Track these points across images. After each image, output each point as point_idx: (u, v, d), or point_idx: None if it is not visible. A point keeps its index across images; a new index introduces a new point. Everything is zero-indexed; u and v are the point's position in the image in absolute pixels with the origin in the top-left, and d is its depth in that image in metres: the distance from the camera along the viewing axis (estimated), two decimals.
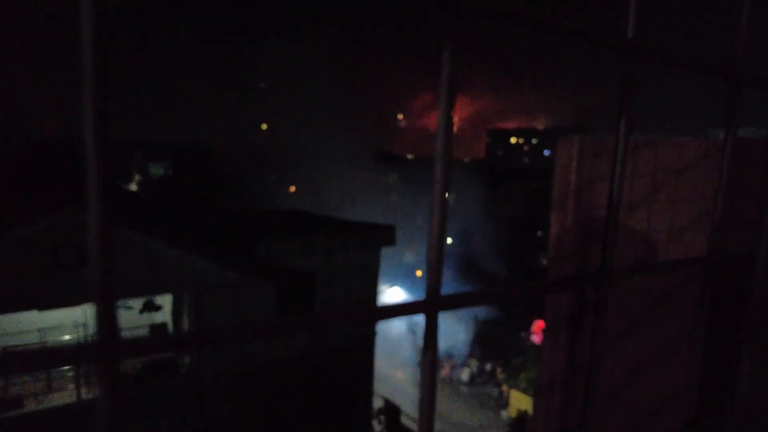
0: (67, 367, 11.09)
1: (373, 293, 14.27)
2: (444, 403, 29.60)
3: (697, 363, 1.81)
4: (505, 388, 29.32)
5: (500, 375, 31.07)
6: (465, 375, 31.27)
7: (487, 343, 34.54)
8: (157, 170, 69.52)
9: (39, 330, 11.42)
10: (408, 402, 26.39)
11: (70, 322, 11.91)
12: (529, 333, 33.53)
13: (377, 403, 15.57)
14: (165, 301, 12.95)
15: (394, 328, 33.48)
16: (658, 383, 1.93)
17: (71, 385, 10.65)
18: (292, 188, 63.04)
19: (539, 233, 41.51)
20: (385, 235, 14.00)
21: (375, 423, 12.44)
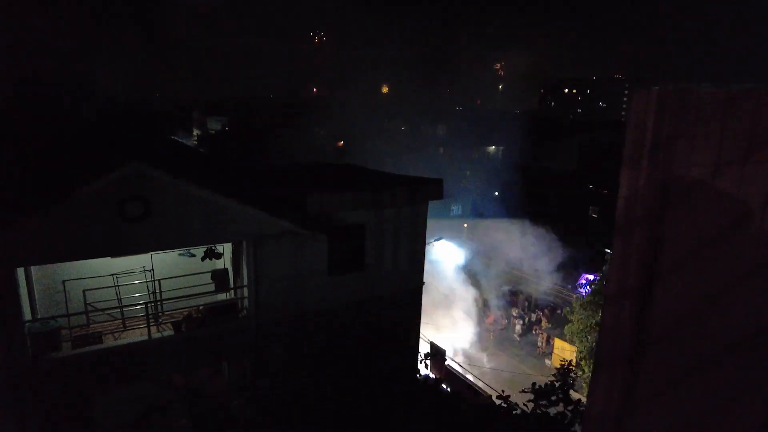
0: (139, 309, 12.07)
1: (421, 245, 14.52)
2: (491, 349, 30.24)
3: None
4: (547, 337, 29.55)
5: (546, 325, 31.27)
6: (518, 327, 31.67)
7: (534, 294, 34.58)
8: (214, 125, 71.32)
9: (112, 274, 12.40)
10: (450, 347, 27.18)
11: (139, 267, 12.85)
12: (575, 286, 33.30)
13: (424, 348, 16.15)
14: (225, 249, 13.69)
15: (442, 280, 33.91)
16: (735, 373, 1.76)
17: (143, 325, 11.61)
18: (341, 143, 63.27)
19: (590, 187, 40.31)
20: (433, 189, 14.06)
21: (421, 366, 12.95)
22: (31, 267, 11.63)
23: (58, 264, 11.79)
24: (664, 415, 2.01)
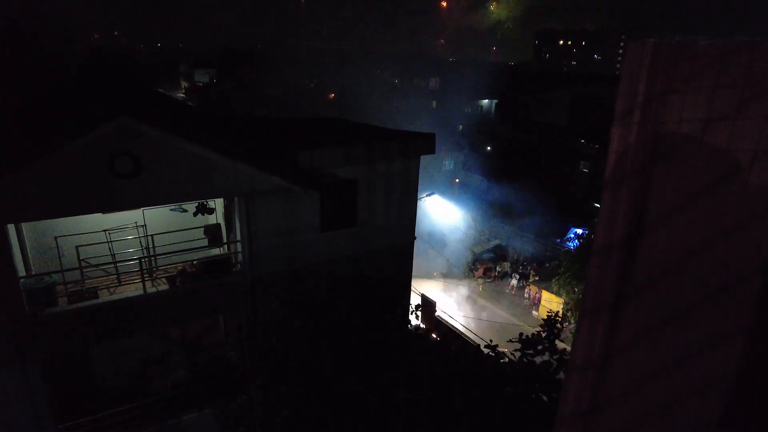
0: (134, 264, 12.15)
1: (413, 200, 14.59)
2: (480, 301, 30.96)
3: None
4: (536, 289, 30.25)
5: (533, 278, 31.92)
6: (513, 282, 32.19)
7: (522, 248, 35.10)
8: (202, 78, 69.75)
9: (104, 230, 12.40)
10: (442, 299, 27.83)
11: (131, 223, 12.85)
12: (564, 240, 33.81)
13: (415, 300, 16.51)
14: (217, 204, 13.68)
15: (433, 235, 34.26)
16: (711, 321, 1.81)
17: (137, 280, 11.73)
18: (331, 95, 62.20)
19: (582, 141, 40.21)
20: (425, 144, 13.99)
21: (412, 317, 13.29)
22: (22, 224, 11.60)
23: (50, 221, 11.76)
24: (643, 362, 2.12)
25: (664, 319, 1.99)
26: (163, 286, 11.71)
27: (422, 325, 16.78)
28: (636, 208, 2.02)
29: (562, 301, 26.46)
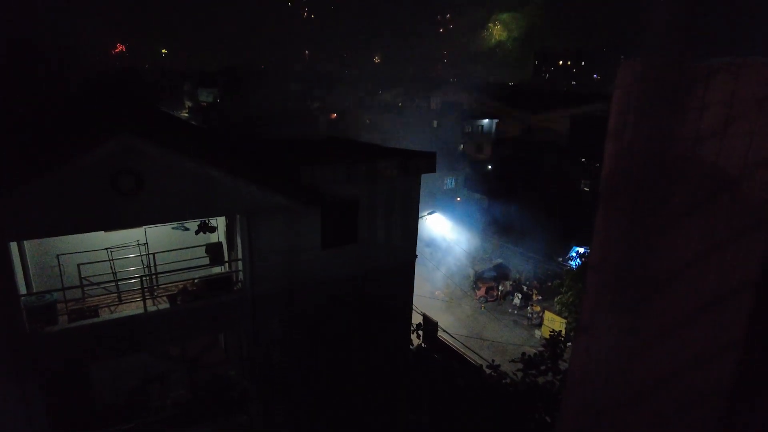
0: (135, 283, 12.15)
1: (414, 219, 14.62)
2: (482, 321, 30.77)
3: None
4: (538, 309, 30.07)
5: (536, 297, 31.76)
6: (516, 301, 32.04)
7: (524, 267, 34.99)
8: (205, 97, 70.61)
9: (106, 248, 12.43)
10: (445, 319, 27.64)
11: (133, 241, 12.88)
12: (566, 258, 33.72)
13: (416, 320, 16.42)
14: (219, 222, 13.72)
15: (435, 253, 34.23)
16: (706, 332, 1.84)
17: (138, 299, 11.71)
18: (334, 115, 62.75)
19: (583, 160, 40.38)
20: (425, 162, 14.07)
21: (414, 336, 13.21)
22: (24, 242, 11.64)
23: (52, 238, 11.80)
24: (640, 375, 2.13)
25: (656, 334, 2.02)
26: (164, 305, 11.69)
27: (424, 345, 16.68)
28: (630, 225, 2.05)
29: (565, 321, 26.30)
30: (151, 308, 11.38)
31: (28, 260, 11.98)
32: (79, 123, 13.44)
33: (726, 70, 1.77)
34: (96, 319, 10.88)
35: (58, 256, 11.86)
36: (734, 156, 1.77)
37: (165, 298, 11.89)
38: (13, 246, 10.87)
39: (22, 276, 11.63)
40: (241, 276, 12.50)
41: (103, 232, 11.96)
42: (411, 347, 14.03)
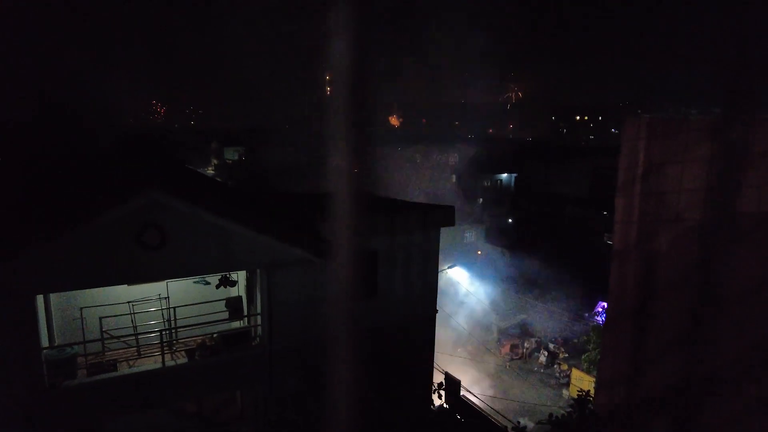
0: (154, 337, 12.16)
1: (433, 272, 14.50)
2: (507, 380, 29.70)
3: None
4: (566, 367, 28.96)
5: (562, 355, 30.69)
6: (542, 359, 30.96)
7: (549, 323, 34.06)
8: (231, 155, 73.03)
9: (128, 302, 12.55)
10: (468, 377, 26.74)
11: (155, 294, 12.99)
12: (592, 314, 32.78)
13: (438, 378, 15.93)
14: (239, 276, 13.80)
15: (456, 308, 33.66)
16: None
17: (157, 353, 11.67)
18: (355, 170, 63.75)
19: (605, 213, 39.98)
20: (444, 215, 14.12)
21: (435, 396, 12.79)
22: (50, 294, 11.84)
23: (76, 291, 11.98)
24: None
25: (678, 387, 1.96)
26: (182, 359, 11.62)
27: (446, 405, 16.10)
28: (644, 275, 2.03)
29: (593, 379, 25.25)
30: (169, 363, 11.32)
31: (53, 312, 12.14)
32: (109, 179, 13.93)
33: (729, 125, 1.80)
34: (114, 374, 10.85)
35: (81, 309, 11.99)
36: (749, 205, 1.75)
37: (183, 352, 11.84)
38: (39, 298, 11.06)
39: (46, 328, 11.75)
40: (259, 330, 12.42)
41: (126, 285, 12.11)
42: (432, 407, 13.55)
